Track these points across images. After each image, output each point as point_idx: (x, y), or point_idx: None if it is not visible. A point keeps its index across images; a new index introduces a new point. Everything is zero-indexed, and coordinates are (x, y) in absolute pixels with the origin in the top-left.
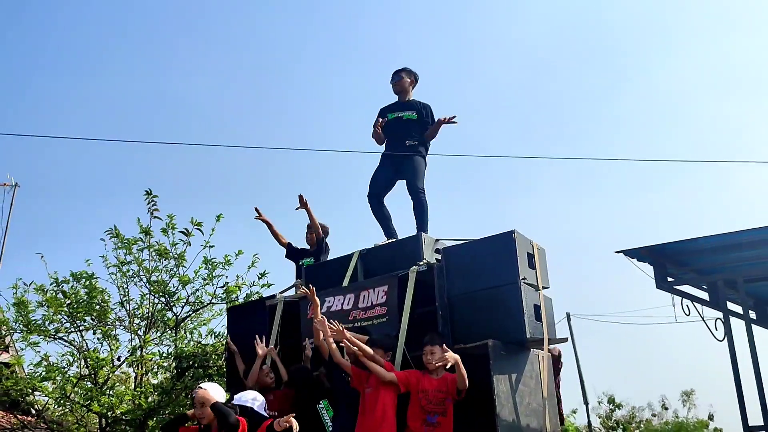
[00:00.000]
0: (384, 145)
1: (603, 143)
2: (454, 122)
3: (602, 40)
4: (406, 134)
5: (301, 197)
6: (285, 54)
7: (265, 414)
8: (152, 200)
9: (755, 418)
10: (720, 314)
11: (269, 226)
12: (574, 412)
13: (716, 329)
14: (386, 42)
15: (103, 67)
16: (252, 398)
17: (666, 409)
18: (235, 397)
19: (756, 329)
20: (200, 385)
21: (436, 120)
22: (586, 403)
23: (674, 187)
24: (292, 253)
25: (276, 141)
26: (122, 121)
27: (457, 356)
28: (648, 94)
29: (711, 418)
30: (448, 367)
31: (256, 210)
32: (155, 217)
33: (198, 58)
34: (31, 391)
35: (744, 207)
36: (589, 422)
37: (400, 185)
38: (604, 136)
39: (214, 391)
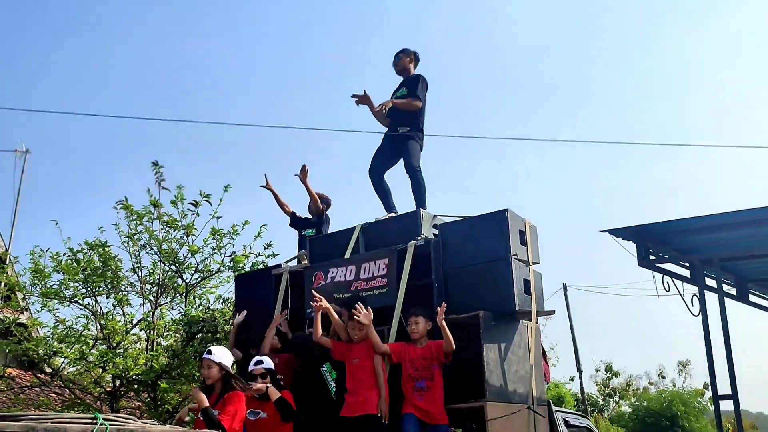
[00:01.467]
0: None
1: (610, 118)
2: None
3: (605, 18)
4: (401, 114)
5: (303, 167)
6: (297, 27)
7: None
8: (159, 171)
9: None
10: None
11: (275, 195)
12: (572, 380)
13: (692, 305)
14: (411, 27)
15: (116, 34)
16: (270, 363)
17: (663, 378)
18: (265, 361)
19: (736, 305)
20: (209, 348)
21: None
22: (579, 370)
23: (673, 166)
24: (296, 222)
25: (285, 112)
26: (134, 86)
27: (444, 324)
28: (653, 69)
29: (706, 387)
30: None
31: (265, 177)
32: (163, 188)
33: (213, 26)
34: (51, 353)
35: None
36: (582, 389)
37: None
38: (611, 111)
39: (220, 355)
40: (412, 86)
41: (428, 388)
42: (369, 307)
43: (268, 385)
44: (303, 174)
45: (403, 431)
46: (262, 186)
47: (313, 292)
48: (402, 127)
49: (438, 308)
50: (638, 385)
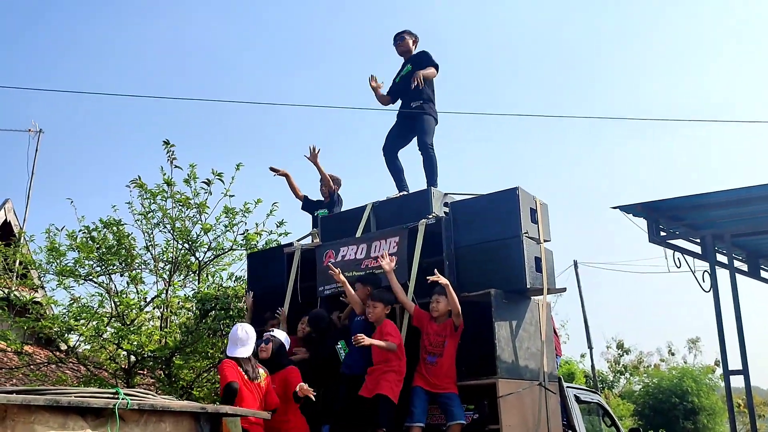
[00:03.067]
0: (398, 103)
1: (622, 94)
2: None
3: None
4: (411, 91)
5: (313, 148)
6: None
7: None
8: (170, 150)
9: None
10: (708, 266)
11: (287, 178)
12: (582, 357)
13: (704, 281)
14: (421, 4)
15: (131, 12)
16: (285, 338)
17: (673, 354)
18: (275, 331)
19: (747, 281)
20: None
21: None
22: (590, 347)
23: (684, 141)
24: (308, 205)
25: (297, 91)
26: (147, 66)
27: (447, 281)
28: (665, 44)
29: (717, 364)
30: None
31: (271, 169)
32: (176, 166)
33: (225, 4)
34: (67, 330)
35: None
36: (593, 366)
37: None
38: (623, 87)
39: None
40: (424, 59)
41: (436, 363)
42: (392, 256)
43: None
44: (313, 155)
45: (410, 404)
46: (273, 174)
47: (330, 265)
48: (415, 102)
49: (435, 273)
50: (649, 362)
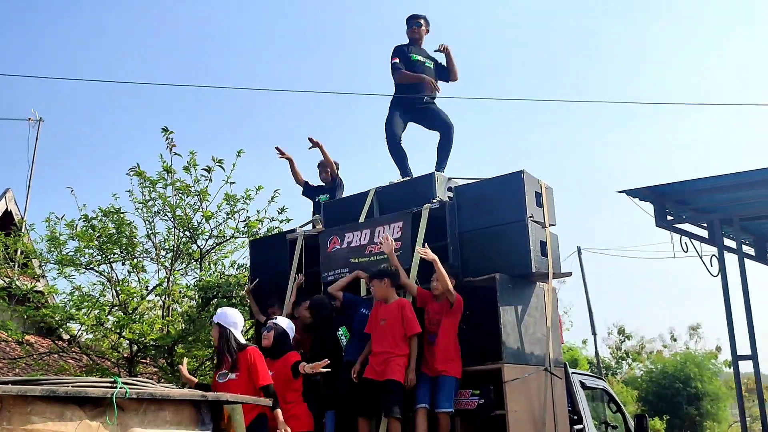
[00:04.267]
0: (405, 86)
1: (627, 78)
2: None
3: None
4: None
5: (310, 139)
6: None
7: (292, 343)
8: (169, 137)
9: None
10: (716, 251)
11: (291, 163)
12: (585, 343)
13: (711, 265)
14: None
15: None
16: (288, 325)
17: (675, 340)
18: (278, 318)
19: (754, 265)
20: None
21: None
22: (594, 333)
23: (688, 124)
24: (309, 190)
25: (299, 78)
26: (146, 52)
27: (435, 256)
28: (667, 27)
29: (719, 350)
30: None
31: (277, 149)
32: (175, 153)
33: None
34: (68, 319)
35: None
36: (596, 352)
37: (412, 127)
38: (625, 71)
39: (230, 318)
40: (444, 74)
41: (435, 342)
42: (392, 240)
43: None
44: (314, 143)
45: (415, 387)
46: (278, 156)
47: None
48: (428, 96)
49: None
50: (651, 348)
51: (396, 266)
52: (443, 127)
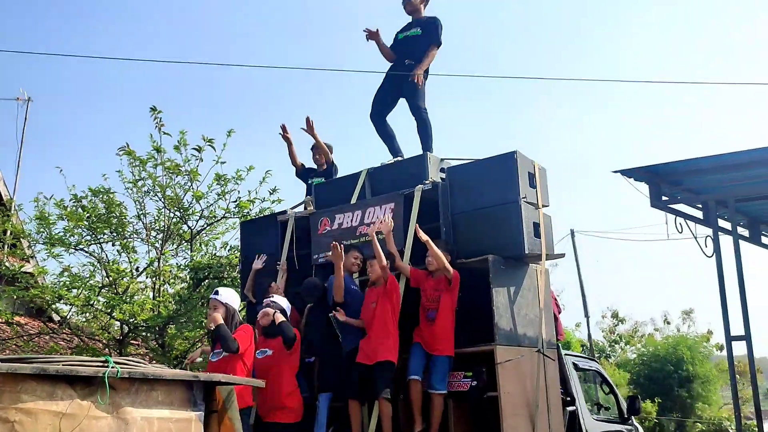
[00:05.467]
0: (391, 65)
1: (617, 59)
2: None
3: None
4: (408, 53)
5: (308, 119)
6: None
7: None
8: (157, 116)
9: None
10: (710, 232)
11: (290, 144)
12: (578, 326)
13: (706, 246)
14: None
15: None
16: (287, 305)
17: (668, 323)
18: (276, 297)
19: (748, 246)
20: (217, 289)
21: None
22: (587, 316)
23: (680, 105)
24: (304, 173)
25: (290, 57)
26: (136, 30)
27: (427, 237)
28: (663, 11)
29: (710, 333)
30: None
31: (282, 127)
32: (164, 133)
33: None
34: (57, 299)
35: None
36: (589, 335)
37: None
38: (617, 52)
39: (227, 297)
40: (431, 31)
41: (434, 320)
42: (390, 220)
43: (275, 310)
44: (309, 126)
45: (408, 360)
46: (280, 134)
47: (336, 244)
48: (409, 60)
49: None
50: (643, 332)
51: (392, 249)
52: (414, 111)
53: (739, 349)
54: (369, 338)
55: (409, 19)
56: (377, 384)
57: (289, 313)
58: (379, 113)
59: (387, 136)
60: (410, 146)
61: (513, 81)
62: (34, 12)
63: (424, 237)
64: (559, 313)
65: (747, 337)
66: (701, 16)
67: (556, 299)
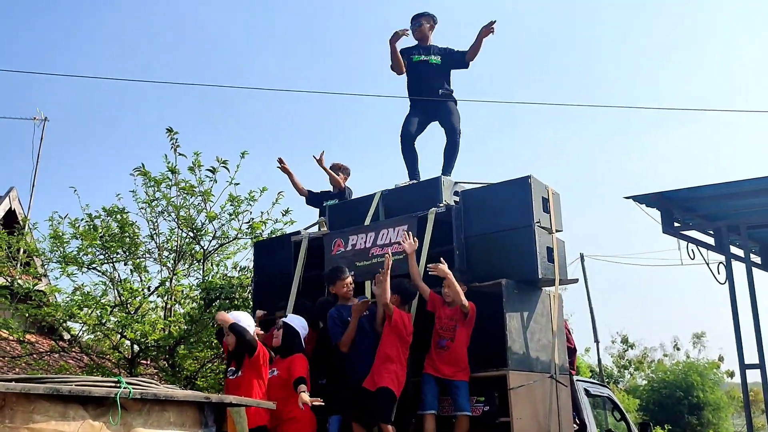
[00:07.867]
0: (413, 88)
1: (634, 85)
2: (492, 30)
3: None
4: (436, 80)
5: (320, 154)
6: None
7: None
8: (173, 137)
9: (752, 357)
10: (723, 258)
11: (290, 175)
12: (587, 351)
13: (719, 273)
14: None
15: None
16: (300, 324)
17: (678, 349)
18: (290, 317)
19: (760, 274)
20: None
21: (477, 36)
22: (596, 341)
23: (692, 130)
24: (314, 198)
25: (304, 80)
26: (151, 55)
27: (449, 272)
28: (670, 34)
29: (721, 359)
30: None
31: (279, 160)
32: (179, 154)
33: None
34: (69, 317)
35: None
36: (599, 360)
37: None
38: (632, 78)
39: (237, 317)
40: (450, 56)
41: (448, 348)
42: (416, 238)
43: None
44: (320, 159)
45: (421, 392)
46: (278, 167)
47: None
48: (444, 90)
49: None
50: (653, 357)
51: (413, 269)
52: (449, 131)
53: (752, 376)
54: (375, 364)
55: (414, 42)
56: (377, 410)
57: (303, 333)
58: (410, 135)
59: (411, 158)
60: (425, 172)
61: (528, 105)
62: (52, 33)
63: (444, 272)
64: (574, 348)
65: (762, 366)
66: (720, 39)
67: (569, 331)
